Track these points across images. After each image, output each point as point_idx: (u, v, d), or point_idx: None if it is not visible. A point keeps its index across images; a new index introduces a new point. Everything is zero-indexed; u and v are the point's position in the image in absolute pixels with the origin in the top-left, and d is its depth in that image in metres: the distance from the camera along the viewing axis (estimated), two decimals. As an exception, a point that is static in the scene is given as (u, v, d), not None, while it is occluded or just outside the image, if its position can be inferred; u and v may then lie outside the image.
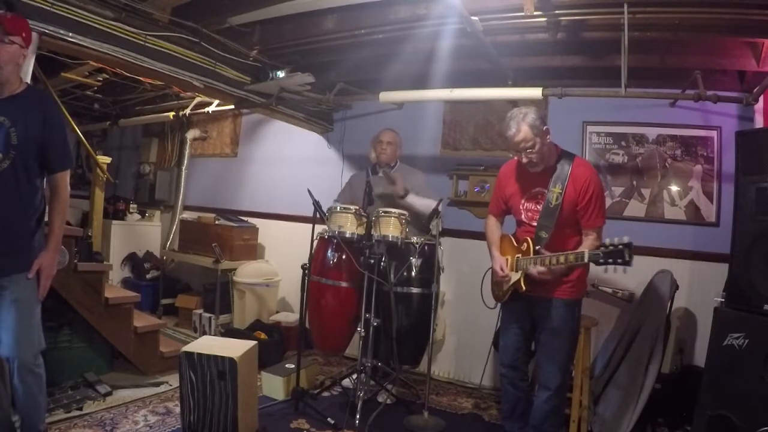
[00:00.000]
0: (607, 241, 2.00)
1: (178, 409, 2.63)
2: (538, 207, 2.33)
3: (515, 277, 2.33)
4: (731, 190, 2.54)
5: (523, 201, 2.41)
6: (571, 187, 2.24)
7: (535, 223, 2.32)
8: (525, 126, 2.19)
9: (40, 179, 2.02)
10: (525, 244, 2.32)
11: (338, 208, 3.08)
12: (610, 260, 1.97)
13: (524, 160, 2.28)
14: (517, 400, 2.45)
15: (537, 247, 2.25)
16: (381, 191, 3.26)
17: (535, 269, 2.20)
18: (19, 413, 2.01)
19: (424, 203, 3.21)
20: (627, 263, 1.94)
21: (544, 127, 2.24)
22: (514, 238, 2.44)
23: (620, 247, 1.95)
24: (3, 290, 1.91)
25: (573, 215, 2.27)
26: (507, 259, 2.41)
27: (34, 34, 2.24)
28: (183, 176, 5.42)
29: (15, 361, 1.93)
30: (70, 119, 2.84)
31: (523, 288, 2.28)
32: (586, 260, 2.05)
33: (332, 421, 2.71)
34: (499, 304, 2.54)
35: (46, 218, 2.07)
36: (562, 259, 2.12)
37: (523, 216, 2.41)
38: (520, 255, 2.34)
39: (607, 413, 2.80)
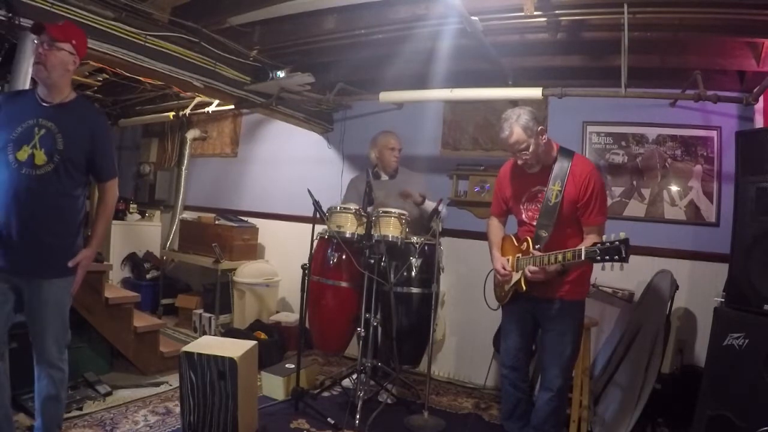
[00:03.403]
0: (603, 237, 1.99)
1: (178, 409, 2.63)
2: (538, 206, 2.31)
3: (516, 277, 2.32)
4: (731, 190, 2.54)
5: (523, 201, 2.40)
6: (571, 184, 2.23)
7: (535, 223, 2.31)
8: (518, 128, 2.19)
9: (82, 188, 2.09)
10: (525, 244, 2.31)
11: (338, 208, 3.08)
12: (607, 257, 1.93)
13: (519, 161, 2.28)
14: (518, 401, 2.44)
15: (537, 246, 2.23)
16: (382, 200, 3.26)
17: (527, 269, 2.18)
18: (39, 410, 2.06)
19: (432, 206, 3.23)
20: (623, 260, 1.91)
21: (539, 128, 2.22)
22: (515, 238, 2.44)
23: (616, 243, 1.91)
24: (40, 290, 1.97)
25: (573, 213, 2.25)
26: (508, 259, 2.40)
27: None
28: (183, 176, 5.42)
29: (42, 357, 2.01)
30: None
31: (524, 288, 2.26)
32: (583, 258, 2.01)
33: (332, 421, 2.71)
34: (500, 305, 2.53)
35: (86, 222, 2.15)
36: (560, 257, 2.09)
37: (524, 216, 2.40)
38: (520, 255, 2.33)
39: (607, 413, 2.80)
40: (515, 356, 2.42)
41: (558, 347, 2.27)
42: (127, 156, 6.41)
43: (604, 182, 2.36)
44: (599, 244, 1.97)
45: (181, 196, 5.39)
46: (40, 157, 1.92)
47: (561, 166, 2.26)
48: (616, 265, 1.95)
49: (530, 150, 2.21)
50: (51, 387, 2.03)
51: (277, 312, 4.42)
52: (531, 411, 2.40)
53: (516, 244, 2.40)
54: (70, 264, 2.02)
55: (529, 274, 2.19)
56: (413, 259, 3.16)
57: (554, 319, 2.27)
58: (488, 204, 3.64)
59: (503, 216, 2.57)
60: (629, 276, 3.10)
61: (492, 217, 2.60)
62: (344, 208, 3.06)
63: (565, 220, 2.26)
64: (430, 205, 3.25)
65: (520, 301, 2.36)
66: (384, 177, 3.49)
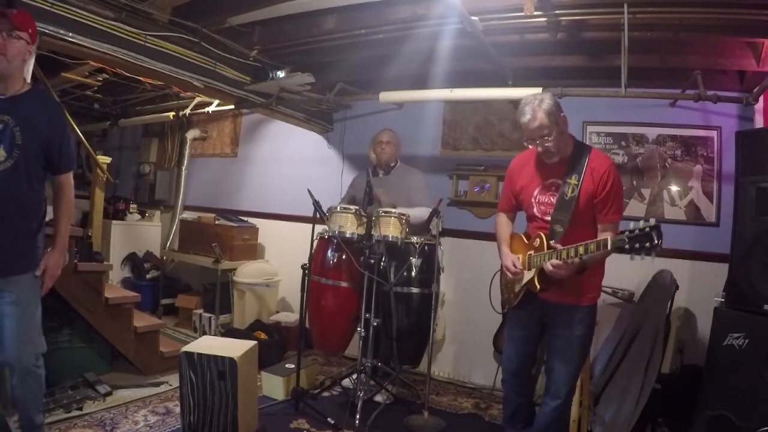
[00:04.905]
0: (631, 225, 1.78)
1: (178, 409, 2.63)
2: (552, 200, 2.15)
3: (528, 276, 2.15)
4: (731, 190, 2.55)
5: (535, 193, 2.23)
6: (589, 178, 2.08)
7: (548, 218, 2.15)
8: (541, 113, 2.04)
9: (41, 182, 2.01)
10: (537, 240, 2.13)
11: (338, 208, 3.08)
12: (637, 245, 1.73)
13: (540, 149, 2.12)
14: (519, 406, 2.38)
15: (552, 242, 2.06)
16: (379, 197, 3.25)
17: (550, 263, 2.00)
18: (18, 409, 2.01)
19: (414, 213, 3.18)
20: (655, 247, 1.69)
21: (561, 114, 2.09)
22: (525, 236, 2.29)
23: (646, 229, 1.71)
24: (3, 292, 1.89)
25: (589, 209, 2.11)
26: (518, 257, 2.23)
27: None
28: (183, 176, 5.42)
29: (16, 363, 1.92)
30: (70, 119, 2.84)
31: (537, 287, 2.09)
32: (609, 248, 1.82)
33: (332, 421, 2.71)
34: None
35: (47, 219, 2.06)
36: (581, 249, 1.90)
37: (535, 210, 2.23)
38: (532, 252, 2.14)
39: (607, 413, 2.80)
40: (520, 362, 2.33)
41: (568, 353, 2.16)
42: (127, 156, 6.41)
43: (621, 179, 2.22)
44: (627, 232, 1.77)
45: (181, 196, 5.39)
46: (0, 153, 1.87)
47: (579, 160, 2.12)
48: (645, 252, 1.75)
49: (552, 136, 2.06)
50: (26, 392, 1.94)
51: (277, 312, 4.42)
52: (532, 414, 2.37)
53: (526, 241, 2.24)
54: (37, 273, 1.94)
55: (551, 268, 1.99)
56: (413, 259, 3.16)
57: (566, 325, 2.16)
58: (488, 204, 3.68)
59: (512, 212, 2.43)
60: (629, 276, 3.12)
61: (499, 214, 2.45)
62: (344, 208, 3.06)
63: (581, 216, 2.10)
64: (419, 212, 3.22)
65: (529, 304, 2.22)
66: (381, 174, 3.49)
